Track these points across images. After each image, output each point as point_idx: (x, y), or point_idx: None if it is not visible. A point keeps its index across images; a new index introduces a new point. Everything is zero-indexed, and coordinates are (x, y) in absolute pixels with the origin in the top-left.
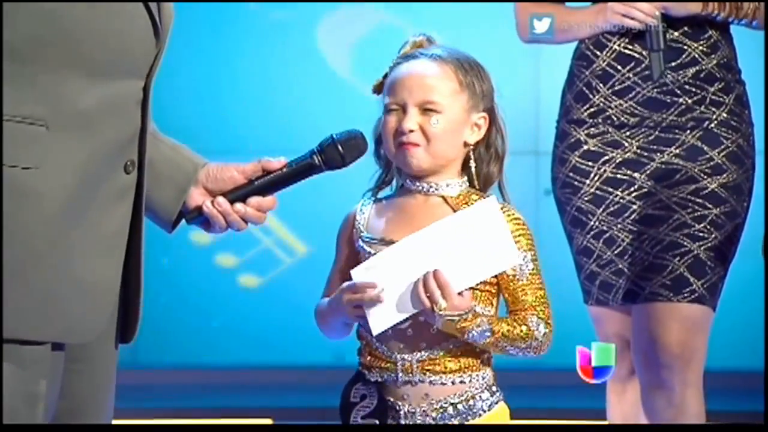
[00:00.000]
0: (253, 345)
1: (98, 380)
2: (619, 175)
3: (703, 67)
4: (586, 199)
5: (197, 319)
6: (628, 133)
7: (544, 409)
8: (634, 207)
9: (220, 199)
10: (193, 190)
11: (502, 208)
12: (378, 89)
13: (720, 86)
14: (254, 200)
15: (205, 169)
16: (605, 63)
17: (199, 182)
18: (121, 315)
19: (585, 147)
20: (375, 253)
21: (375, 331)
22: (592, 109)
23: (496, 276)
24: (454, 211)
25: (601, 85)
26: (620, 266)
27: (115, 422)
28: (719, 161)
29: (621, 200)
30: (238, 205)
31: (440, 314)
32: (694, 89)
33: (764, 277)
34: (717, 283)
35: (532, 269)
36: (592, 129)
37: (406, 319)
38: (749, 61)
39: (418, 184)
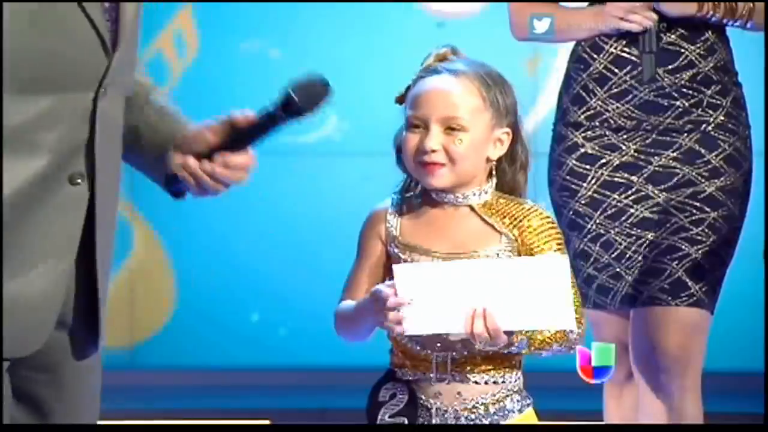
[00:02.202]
0: (251, 346)
1: (69, 389)
2: (616, 179)
3: (700, 70)
4: (583, 202)
5: (196, 320)
6: (625, 137)
7: (546, 411)
8: (632, 210)
9: (189, 159)
10: (173, 155)
11: (532, 209)
12: (400, 100)
13: (717, 89)
14: (220, 157)
15: (183, 133)
16: (602, 66)
17: (177, 147)
18: (84, 324)
19: (582, 150)
20: (410, 261)
21: (408, 332)
22: (589, 112)
23: None
24: (482, 219)
25: (597, 88)
26: (618, 270)
27: (114, 423)
28: (717, 164)
29: (618, 204)
30: (206, 164)
31: (481, 348)
32: (691, 92)
33: (764, 279)
34: (715, 287)
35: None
36: (589, 132)
37: None
38: (750, 61)
39: (443, 195)
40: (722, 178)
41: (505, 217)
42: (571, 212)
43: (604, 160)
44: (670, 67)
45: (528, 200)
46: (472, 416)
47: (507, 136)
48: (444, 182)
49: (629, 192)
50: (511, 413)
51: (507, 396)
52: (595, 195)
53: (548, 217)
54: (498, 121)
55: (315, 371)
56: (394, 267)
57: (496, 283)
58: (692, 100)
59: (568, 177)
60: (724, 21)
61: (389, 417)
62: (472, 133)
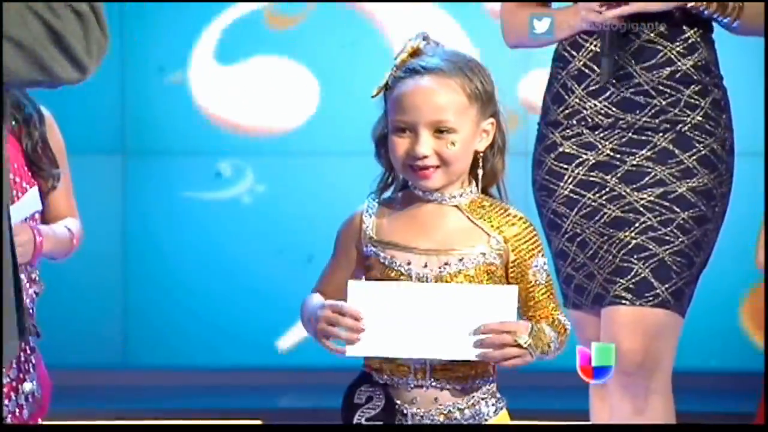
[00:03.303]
0: (242, 346)
1: None
2: (591, 178)
3: (679, 68)
4: (560, 201)
5: (186, 320)
6: (601, 135)
7: (542, 411)
8: (605, 210)
9: None
10: None
11: (515, 216)
12: (378, 93)
13: (696, 89)
14: None
15: None
16: (581, 63)
17: None
18: None
19: (560, 149)
20: (389, 257)
21: (348, 353)
22: (567, 111)
23: (509, 281)
24: (469, 219)
25: (576, 85)
26: (591, 269)
27: (105, 423)
28: (690, 165)
29: (593, 203)
30: None
31: (526, 346)
32: (669, 90)
33: (764, 281)
34: (683, 289)
35: (548, 272)
36: (567, 131)
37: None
38: (750, 61)
39: (430, 193)
40: (695, 179)
41: (492, 220)
42: (549, 212)
43: (580, 159)
44: (647, 64)
45: (511, 206)
46: (447, 421)
47: (492, 126)
48: (438, 184)
49: (603, 191)
50: (486, 416)
51: (482, 400)
52: (572, 195)
53: (529, 222)
54: (483, 113)
55: (306, 371)
56: (349, 283)
57: (447, 308)
58: (670, 99)
59: (546, 176)
60: (715, 16)
61: (365, 420)
62: (462, 133)
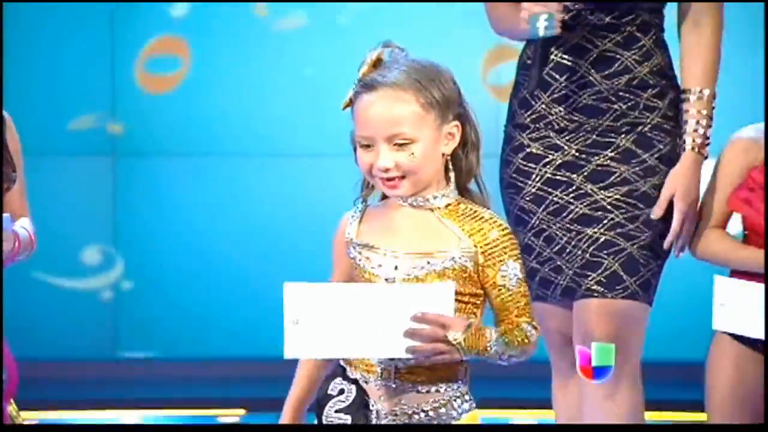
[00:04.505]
0: (227, 337)
1: None
2: (558, 177)
3: (636, 75)
4: (527, 198)
5: (174, 311)
6: (567, 137)
7: (497, 399)
8: (572, 207)
9: None
10: None
11: (490, 219)
12: (346, 106)
13: (654, 92)
14: None
15: None
16: (544, 72)
17: None
18: None
19: (528, 150)
20: (364, 259)
21: (287, 355)
22: (534, 115)
23: (483, 287)
24: (442, 223)
25: (542, 92)
26: (559, 263)
27: (104, 423)
28: (652, 163)
29: (560, 200)
30: None
31: (455, 343)
32: (628, 95)
33: (764, 278)
34: (650, 280)
35: (520, 278)
36: (534, 133)
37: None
38: (750, 61)
39: (405, 199)
40: (657, 177)
41: (465, 224)
42: (516, 208)
43: (547, 159)
44: (606, 72)
45: (487, 210)
46: (410, 421)
47: (457, 129)
48: (407, 192)
49: (570, 189)
50: (451, 419)
51: (448, 402)
52: (539, 192)
53: (506, 228)
54: (443, 118)
55: (291, 361)
56: (284, 285)
57: (388, 307)
58: (629, 103)
59: (514, 175)
60: None
61: (335, 412)
62: (422, 142)
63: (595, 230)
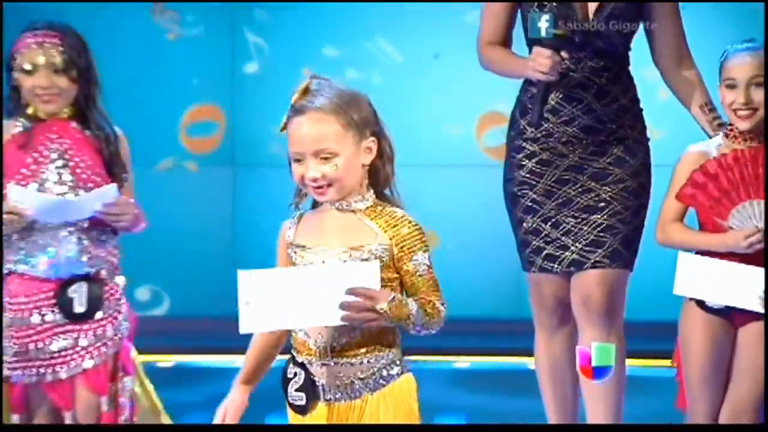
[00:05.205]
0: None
1: None
2: (566, 177)
3: (621, 103)
4: (540, 192)
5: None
6: (571, 148)
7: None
8: (579, 199)
9: None
10: None
11: (402, 218)
12: (283, 130)
13: (632, 114)
14: None
15: None
16: (554, 102)
17: None
18: None
19: (539, 156)
20: (299, 257)
21: (242, 330)
22: (544, 132)
23: (398, 272)
24: (363, 222)
25: (552, 116)
26: (565, 242)
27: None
28: (637, 167)
29: (568, 194)
30: None
31: (382, 312)
32: (616, 117)
33: (764, 271)
34: (636, 252)
35: (428, 265)
36: (544, 144)
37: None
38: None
39: (332, 204)
40: (641, 177)
41: (382, 222)
42: (528, 200)
43: (557, 163)
44: (602, 101)
45: (400, 210)
46: (350, 390)
47: (374, 143)
48: (332, 197)
49: (576, 186)
50: (384, 382)
51: (380, 369)
52: (550, 188)
53: (416, 224)
54: (361, 134)
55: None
56: (238, 272)
57: (324, 283)
58: (617, 123)
59: (527, 175)
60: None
61: (295, 390)
62: (343, 155)
63: (600, 217)
